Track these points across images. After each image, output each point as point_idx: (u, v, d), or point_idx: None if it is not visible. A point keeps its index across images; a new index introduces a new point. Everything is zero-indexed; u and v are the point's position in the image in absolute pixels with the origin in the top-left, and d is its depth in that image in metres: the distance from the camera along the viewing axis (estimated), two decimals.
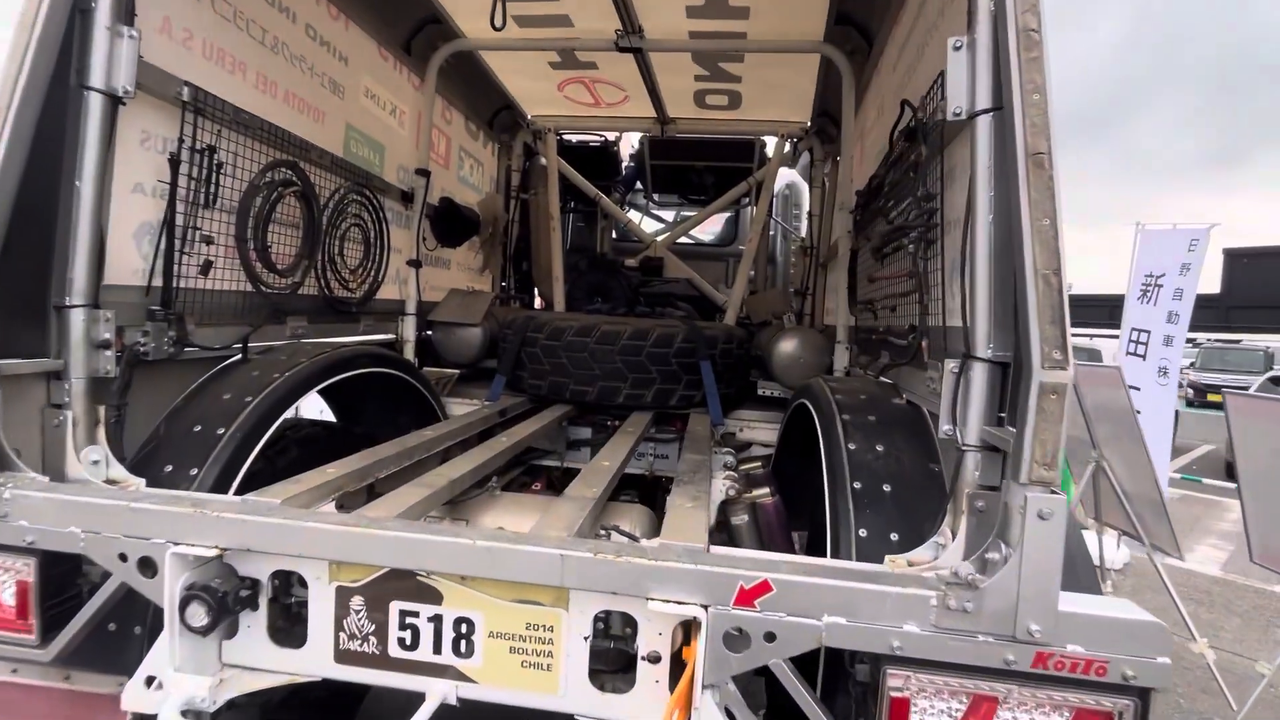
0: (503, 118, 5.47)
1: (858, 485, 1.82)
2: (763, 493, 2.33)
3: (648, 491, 3.80)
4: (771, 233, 6.57)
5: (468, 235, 4.55)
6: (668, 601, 1.25)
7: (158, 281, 2.05)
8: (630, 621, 1.38)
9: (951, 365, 1.48)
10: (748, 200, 6.09)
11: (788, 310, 4.75)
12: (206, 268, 2.18)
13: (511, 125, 5.62)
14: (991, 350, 1.39)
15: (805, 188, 7.11)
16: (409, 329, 3.85)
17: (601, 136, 6.07)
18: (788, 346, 3.75)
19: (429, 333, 4.08)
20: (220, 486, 1.98)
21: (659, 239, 5.77)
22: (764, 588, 1.22)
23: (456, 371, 3.94)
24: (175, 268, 2.09)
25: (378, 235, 3.35)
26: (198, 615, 1.34)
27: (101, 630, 1.70)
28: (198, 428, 2.08)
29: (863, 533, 1.71)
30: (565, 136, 6.01)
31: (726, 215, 7.15)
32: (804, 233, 6.36)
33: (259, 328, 2.43)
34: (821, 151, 5.37)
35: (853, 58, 3.59)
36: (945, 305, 1.74)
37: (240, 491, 2.09)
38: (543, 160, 5.62)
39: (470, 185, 5.07)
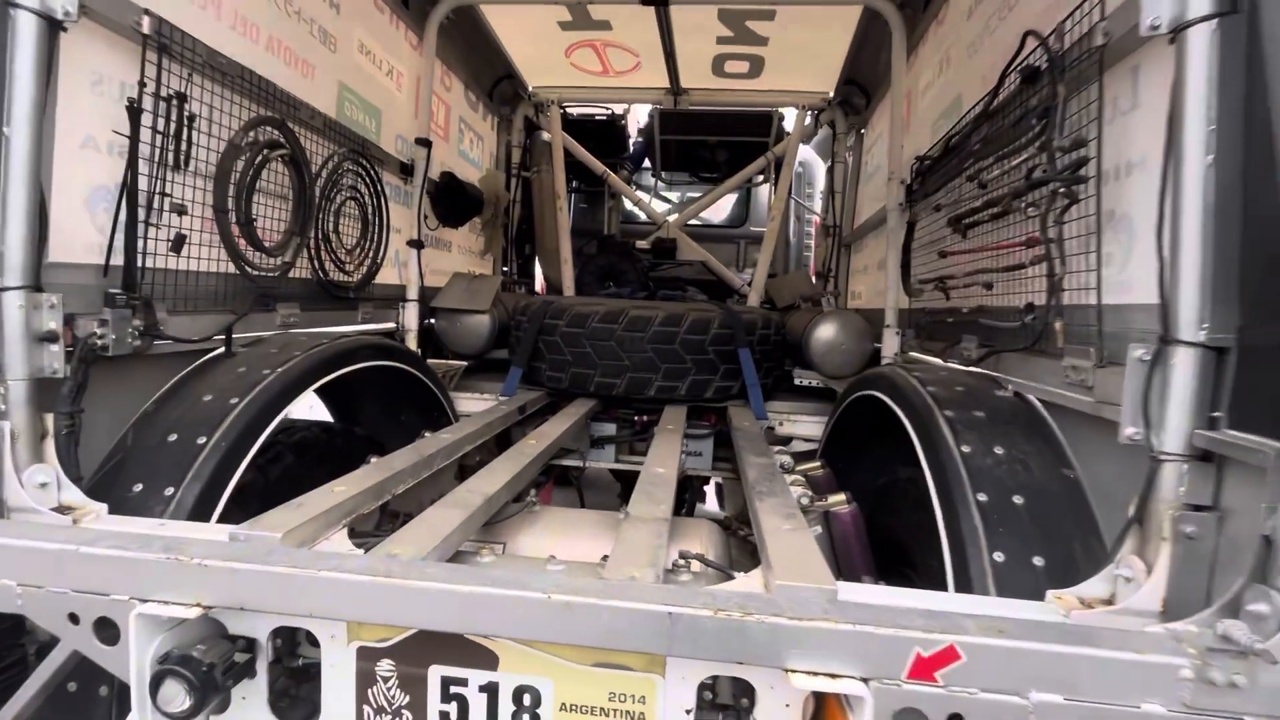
0: (503, 88, 5.07)
1: (982, 497, 1.51)
2: (838, 500, 2.02)
3: (680, 490, 3.49)
4: None
5: (471, 214, 4.17)
6: (815, 674, 0.93)
7: (118, 260, 1.68)
8: (745, 688, 1.06)
9: (1140, 352, 1.16)
10: (762, 178, 5.75)
11: (815, 293, 4.43)
12: (179, 243, 1.81)
13: (512, 97, 5.21)
14: (1206, 332, 1.08)
15: (819, 164, 6.79)
16: (411, 317, 3.48)
17: (608, 110, 5.69)
18: (827, 332, 3.43)
19: (432, 321, 3.72)
20: (202, 508, 1.63)
21: (671, 219, 5.42)
22: (949, 655, 0.90)
23: (463, 364, 3.58)
24: (140, 243, 1.72)
25: (376, 210, 2.97)
26: (175, 698, 1.00)
27: (61, 693, 1.36)
28: (173, 437, 1.72)
29: (999, 557, 1.40)
30: (569, 110, 5.62)
31: (736, 195, 6.81)
32: (819, 211, 6.04)
33: (244, 316, 2.06)
34: (845, 124, 5.03)
35: (903, 10, 3.24)
36: (1101, 277, 1.42)
37: (229, 512, 1.75)
38: (545, 135, 5.23)
39: (470, 161, 4.68)
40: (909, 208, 3.07)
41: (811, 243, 6.80)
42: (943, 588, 1.44)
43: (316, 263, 2.51)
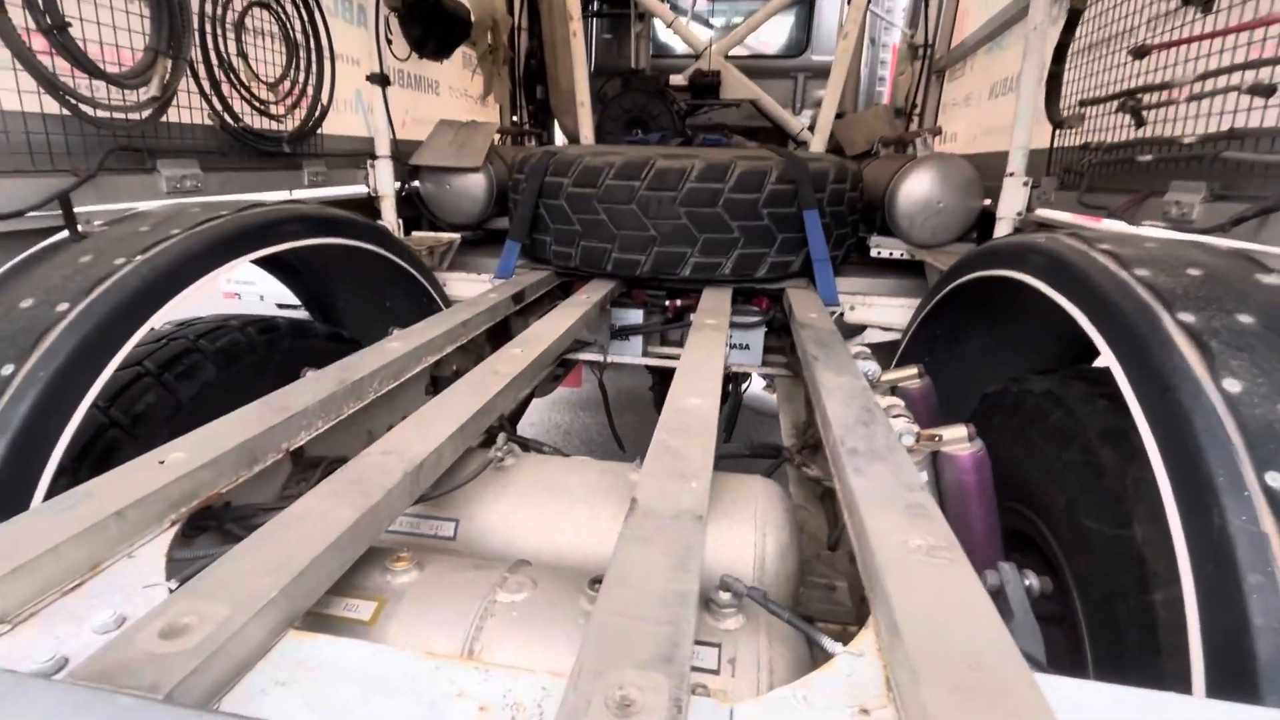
0: None
1: (1275, 479, 0.83)
2: (957, 437, 1.37)
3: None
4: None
5: (456, 40, 3.26)
6: None
7: None
8: None
9: None
10: None
11: (899, 135, 3.45)
12: None
13: None
14: None
15: None
16: (383, 178, 2.77)
17: None
18: (920, 184, 2.58)
19: (416, 184, 3.00)
20: (17, 471, 1.11)
21: (715, 46, 4.31)
22: None
23: (455, 236, 2.91)
24: None
25: (306, 29, 2.16)
26: None
27: None
28: None
29: None
30: None
31: (794, 16, 5.49)
32: (905, 27, 4.76)
33: (90, 178, 1.41)
34: None
35: None
36: None
37: (72, 474, 1.24)
38: None
39: None
40: None
41: (887, 74, 5.54)
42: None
43: (217, 100, 1.79)
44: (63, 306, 1.23)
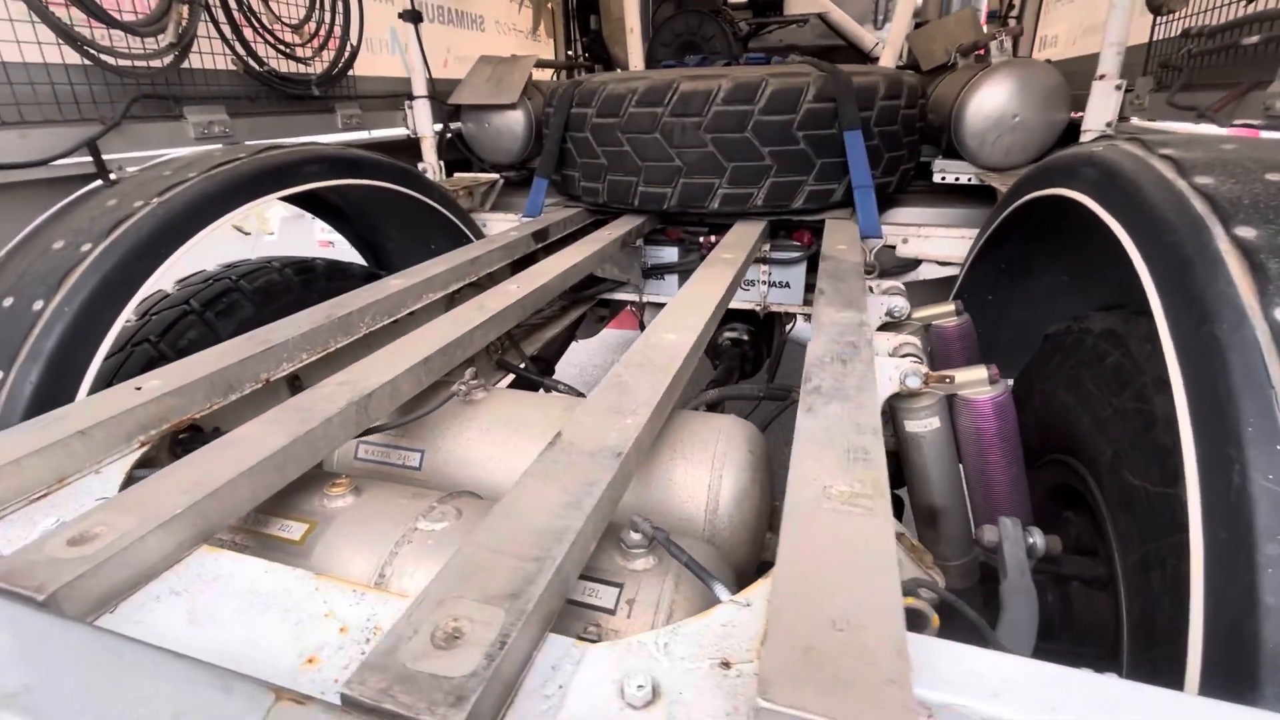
0: None
1: None
2: (974, 379, 1.22)
3: (763, 330, 2.78)
4: None
5: None
6: None
7: None
8: None
9: None
10: None
11: (980, 41, 3.02)
12: None
13: None
14: None
15: None
16: (422, 119, 2.77)
17: None
18: (990, 97, 2.26)
19: (457, 124, 3.00)
20: (49, 396, 1.23)
21: None
22: None
23: (494, 177, 2.90)
24: None
25: None
26: None
27: None
28: (9, 301, 1.30)
29: None
30: None
31: None
32: None
33: (115, 125, 1.50)
34: None
35: None
36: None
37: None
38: None
39: None
40: None
41: None
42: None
43: (239, 45, 1.84)
44: (86, 247, 1.33)
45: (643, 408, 0.91)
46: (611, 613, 0.71)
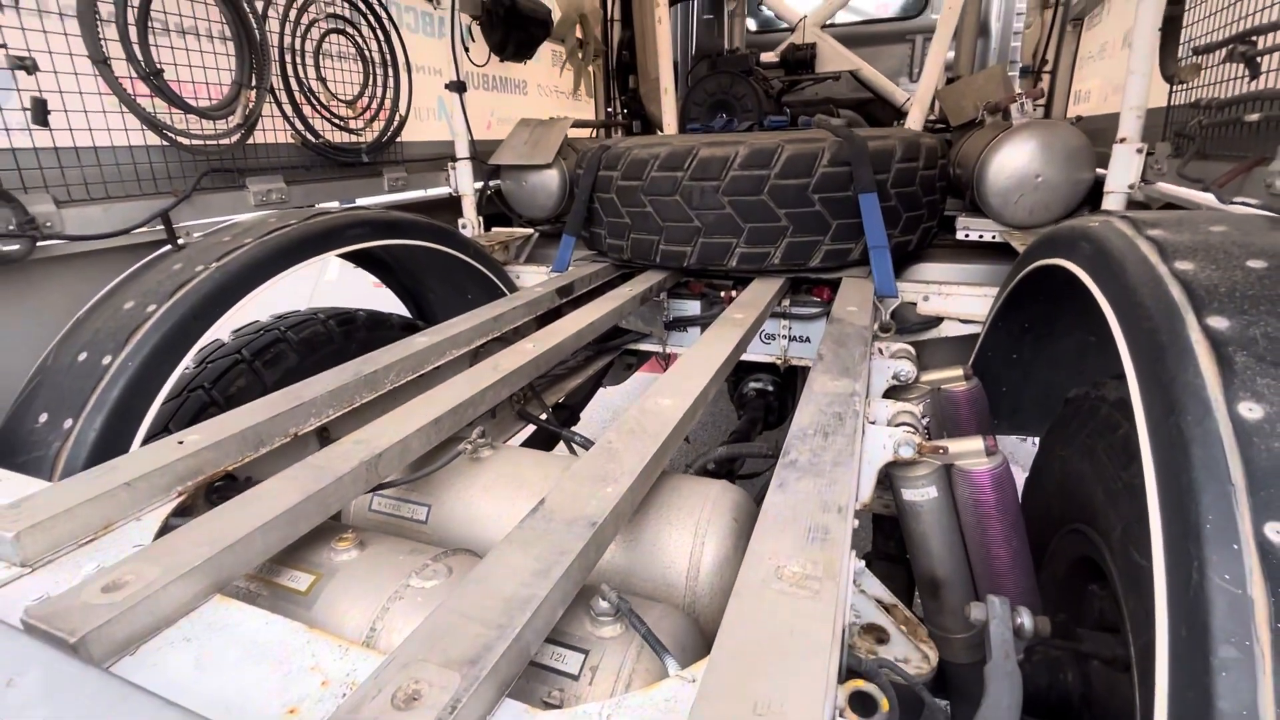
0: None
1: (1277, 533, 0.67)
2: (970, 451, 1.23)
3: (788, 381, 2.79)
4: None
5: (535, 41, 3.39)
6: None
7: None
8: None
9: None
10: None
11: (1006, 99, 3.04)
12: (40, 111, 1.41)
13: None
14: None
15: None
16: (464, 179, 2.97)
17: None
18: (1011, 156, 2.28)
19: (496, 182, 3.19)
20: (111, 442, 1.37)
21: (808, 17, 4.07)
22: None
23: (528, 232, 3.06)
24: None
25: (382, 47, 2.38)
26: None
27: None
28: (83, 356, 1.46)
29: None
30: None
31: None
32: None
33: (187, 197, 1.69)
34: None
35: None
36: None
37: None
38: None
39: None
40: None
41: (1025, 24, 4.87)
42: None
43: (299, 122, 2.04)
44: (151, 307, 1.50)
45: (626, 476, 0.96)
46: (575, 679, 0.75)
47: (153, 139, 1.66)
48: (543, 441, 2.64)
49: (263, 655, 0.72)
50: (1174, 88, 1.74)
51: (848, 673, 0.80)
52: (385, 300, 2.88)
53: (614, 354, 2.75)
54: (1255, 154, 1.22)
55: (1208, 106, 1.44)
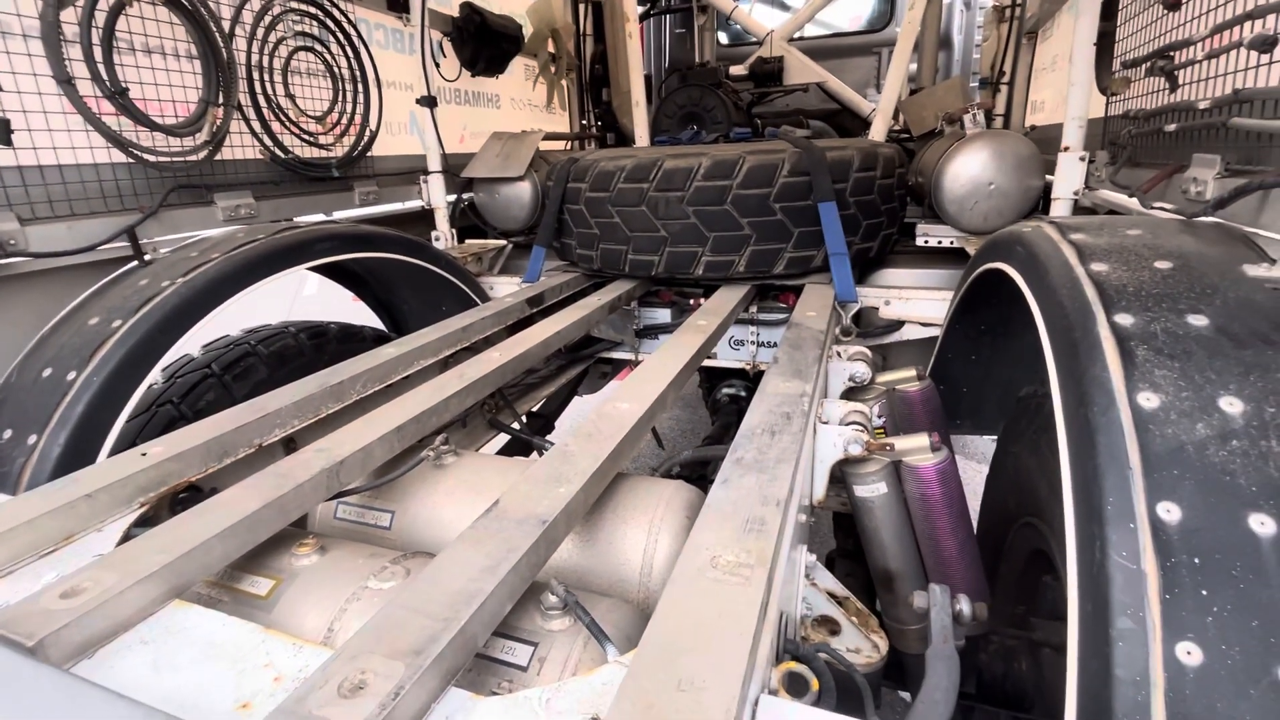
0: None
1: (1167, 511, 0.72)
2: (915, 447, 1.28)
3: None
4: None
5: (505, 57, 3.44)
6: None
7: None
8: None
9: None
10: None
11: (969, 108, 3.15)
12: (3, 129, 1.43)
13: None
14: None
15: None
16: (436, 191, 3.00)
17: None
18: (966, 165, 2.36)
19: (469, 195, 3.22)
20: (75, 458, 1.38)
21: (775, 31, 4.17)
22: None
23: (501, 243, 3.09)
24: None
25: (351, 64, 2.41)
26: None
27: None
28: (48, 371, 1.47)
29: (1189, 653, 0.66)
30: None
31: None
32: None
33: (153, 213, 1.70)
34: None
35: None
36: None
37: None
38: None
39: None
40: None
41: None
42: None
43: (268, 138, 2.07)
44: (116, 323, 1.51)
45: (579, 476, 1.00)
46: (524, 670, 0.79)
47: (119, 156, 1.67)
48: (517, 451, 2.66)
49: (219, 655, 0.74)
50: (1109, 99, 1.83)
51: (787, 657, 0.85)
52: (364, 315, 2.89)
53: (587, 363, 2.79)
54: (1175, 162, 1.29)
55: (1135, 117, 1.52)
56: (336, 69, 2.35)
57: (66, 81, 1.52)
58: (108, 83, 1.59)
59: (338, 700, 0.60)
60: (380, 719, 0.58)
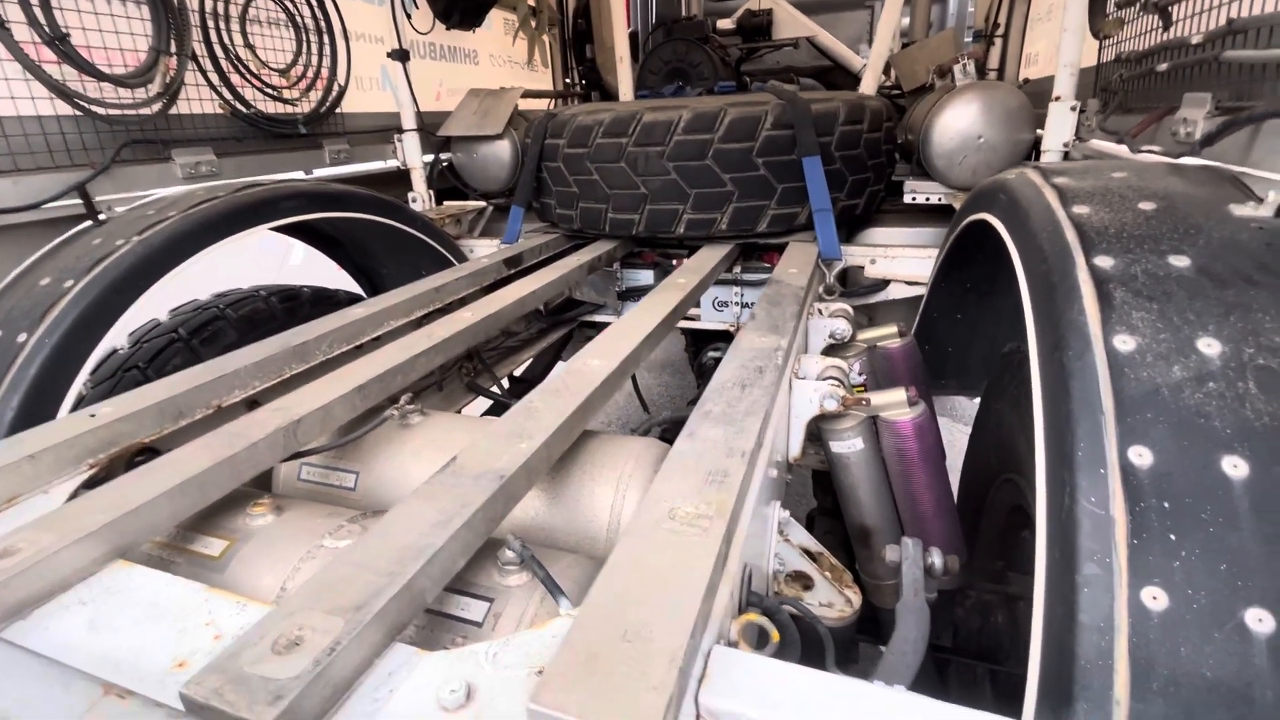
0: None
1: (1139, 455, 0.70)
2: (892, 402, 1.25)
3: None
4: None
5: (482, 9, 3.30)
6: None
7: None
8: None
9: None
10: None
11: (959, 58, 3.05)
12: None
13: None
14: None
15: None
16: (411, 151, 2.90)
17: None
18: (954, 118, 2.29)
19: (447, 155, 3.12)
20: (32, 421, 1.34)
21: None
22: None
23: (480, 205, 3.01)
24: None
25: (315, 14, 2.30)
26: None
27: None
28: None
29: (1154, 598, 0.64)
30: None
31: None
32: None
33: (104, 170, 1.63)
34: None
35: None
36: None
37: None
38: None
39: None
40: None
41: None
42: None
43: (227, 90, 1.97)
44: (69, 283, 1.45)
45: (540, 432, 0.96)
46: (479, 625, 0.77)
47: (65, 109, 1.59)
48: (498, 415, 2.63)
49: (160, 615, 0.72)
50: (1101, 43, 1.76)
51: (750, 609, 0.83)
52: (351, 283, 2.82)
53: (570, 326, 2.74)
54: (1165, 104, 1.24)
55: (1127, 60, 1.46)
56: (299, 18, 2.24)
57: (0, 25, 1.43)
58: (46, 27, 1.49)
59: (272, 657, 0.58)
60: (315, 674, 0.56)
